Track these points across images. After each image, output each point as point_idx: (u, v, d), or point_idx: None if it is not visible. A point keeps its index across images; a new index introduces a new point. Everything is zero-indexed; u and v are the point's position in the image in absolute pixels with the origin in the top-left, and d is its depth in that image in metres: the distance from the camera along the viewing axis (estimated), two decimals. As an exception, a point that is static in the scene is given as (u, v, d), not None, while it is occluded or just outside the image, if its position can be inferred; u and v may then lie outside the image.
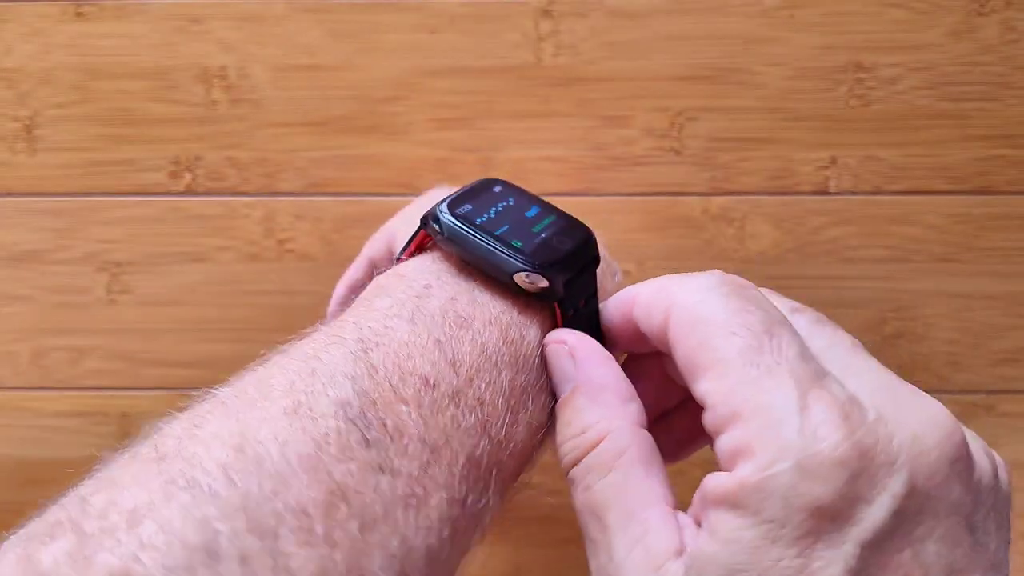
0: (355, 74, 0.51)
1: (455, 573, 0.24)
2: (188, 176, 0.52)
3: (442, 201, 0.28)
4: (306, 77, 0.51)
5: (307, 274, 0.52)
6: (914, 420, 0.21)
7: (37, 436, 0.54)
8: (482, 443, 0.24)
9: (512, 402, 0.25)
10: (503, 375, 0.25)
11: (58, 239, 0.53)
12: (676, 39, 0.50)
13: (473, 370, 0.25)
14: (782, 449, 0.20)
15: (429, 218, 0.28)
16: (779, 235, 0.51)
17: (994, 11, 0.50)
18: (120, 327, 0.53)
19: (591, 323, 0.28)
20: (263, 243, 0.52)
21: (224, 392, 0.23)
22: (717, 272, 0.24)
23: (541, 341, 0.27)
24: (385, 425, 0.22)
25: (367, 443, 0.21)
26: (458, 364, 0.24)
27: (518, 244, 0.27)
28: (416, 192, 0.50)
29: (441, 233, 0.27)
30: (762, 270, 0.52)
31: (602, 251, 0.30)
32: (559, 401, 0.26)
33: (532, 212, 0.29)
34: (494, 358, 0.25)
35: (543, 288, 0.26)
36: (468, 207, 0.28)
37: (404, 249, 0.30)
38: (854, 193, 0.52)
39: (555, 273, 0.27)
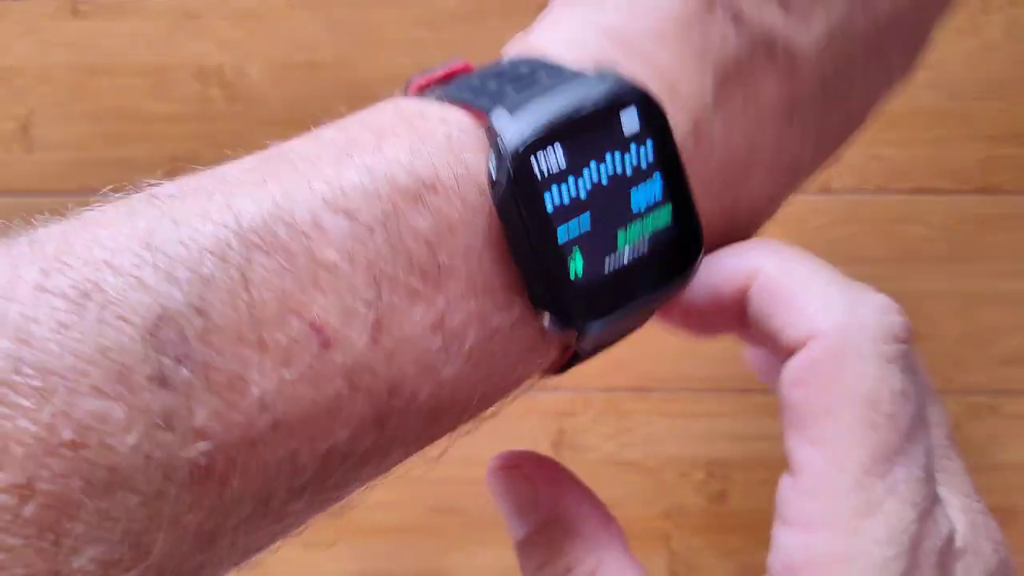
0: (354, 71, 0.50)
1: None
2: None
3: (525, 115, 0.18)
4: (304, 74, 0.50)
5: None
6: (990, 552, 0.19)
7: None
8: (364, 437, 0.17)
9: (446, 402, 0.18)
10: (449, 367, 0.18)
11: (54, 238, 0.52)
12: (678, 36, 0.50)
13: (405, 346, 0.17)
14: None
15: (489, 132, 0.18)
16: (782, 234, 0.51)
17: (999, 9, 0.50)
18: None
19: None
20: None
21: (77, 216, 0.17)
22: (890, 313, 0.19)
23: (540, 353, 0.19)
24: (209, 368, 0.15)
25: (162, 382, 0.15)
26: (384, 329, 0.17)
27: (578, 267, 0.18)
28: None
29: (491, 177, 0.18)
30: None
31: None
32: (521, 539, 0.21)
33: (645, 192, 0.19)
34: (449, 341, 0.18)
35: (566, 340, 0.19)
36: (558, 158, 0.18)
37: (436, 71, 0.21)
38: (858, 192, 0.51)
39: (593, 335, 0.19)
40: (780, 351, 0.19)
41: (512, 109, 0.18)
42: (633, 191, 0.18)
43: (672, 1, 0.20)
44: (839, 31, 0.21)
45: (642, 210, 0.19)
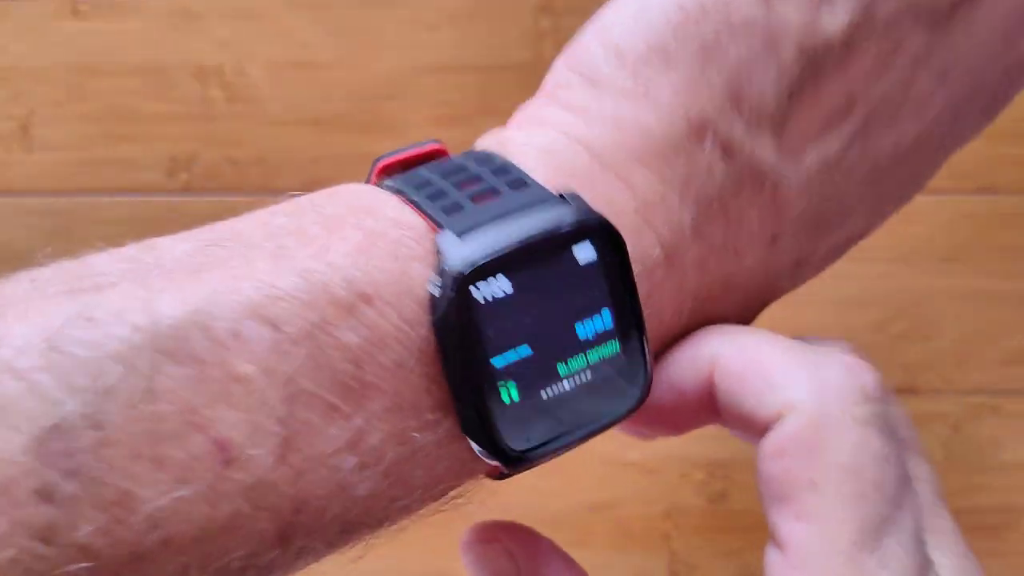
0: (353, 71, 0.50)
1: None
2: (185, 175, 0.52)
3: (471, 253, 0.17)
4: (303, 74, 0.50)
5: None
6: None
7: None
8: (263, 553, 0.17)
9: (357, 518, 0.18)
10: (363, 486, 0.17)
11: (54, 238, 0.52)
12: (678, 36, 0.50)
13: (315, 465, 0.17)
14: None
15: (438, 261, 0.17)
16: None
17: (1000, 7, 0.50)
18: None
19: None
20: (261, 242, 0.52)
21: None
22: (858, 372, 0.18)
23: (465, 473, 0.19)
24: (99, 484, 0.15)
25: (46, 497, 0.15)
26: (294, 448, 0.16)
27: (511, 397, 0.17)
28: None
29: (431, 298, 0.17)
30: (765, 270, 0.52)
31: None
32: None
33: (591, 327, 0.18)
34: (365, 458, 0.17)
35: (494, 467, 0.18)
36: (501, 287, 0.17)
37: (386, 157, 0.20)
38: (858, 192, 0.51)
39: (522, 465, 0.18)
40: (756, 431, 0.19)
41: (462, 231, 0.17)
42: (579, 323, 0.18)
43: (660, 123, 0.19)
44: (832, 167, 0.20)
45: (588, 340, 0.18)
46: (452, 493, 0.19)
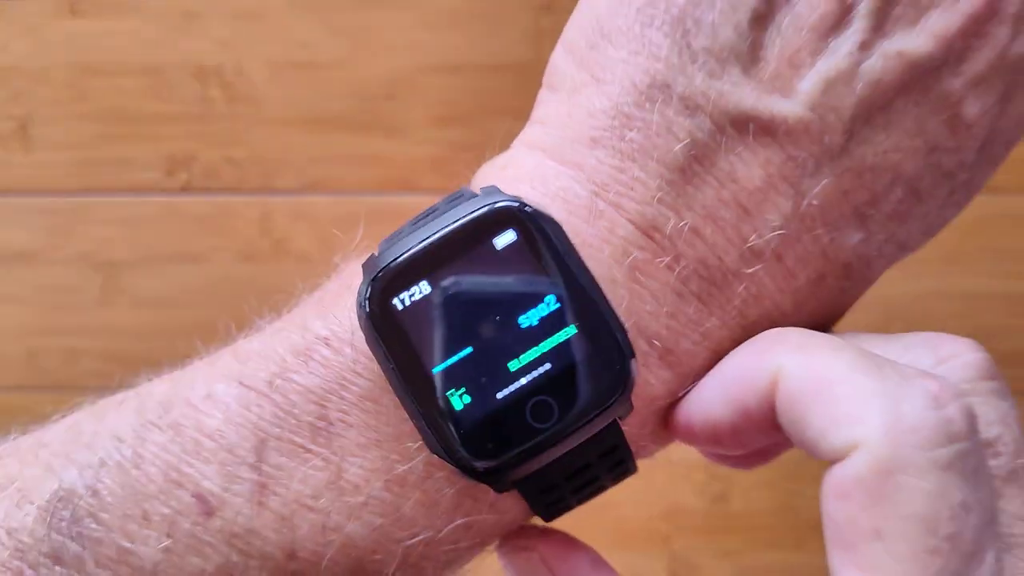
0: (353, 71, 0.50)
1: None
2: (184, 175, 0.52)
3: (384, 261, 0.17)
4: (303, 74, 0.50)
5: (304, 274, 0.52)
6: None
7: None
8: None
9: (368, 559, 0.17)
10: (355, 523, 0.17)
11: (53, 238, 0.52)
12: (678, 36, 0.50)
13: (296, 507, 0.17)
14: None
15: (362, 291, 0.17)
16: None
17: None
18: (115, 327, 0.53)
19: (600, 482, 0.19)
20: (259, 243, 0.51)
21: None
22: (943, 403, 0.16)
23: (472, 502, 0.18)
24: (99, 544, 0.17)
25: (56, 560, 0.16)
26: (271, 492, 0.17)
27: (461, 403, 0.16)
28: (415, 191, 0.49)
29: (360, 325, 0.17)
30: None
31: None
32: None
33: (536, 315, 0.17)
34: (350, 497, 0.17)
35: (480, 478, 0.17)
36: (420, 291, 0.17)
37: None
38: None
39: (498, 477, 0.17)
40: (821, 457, 0.16)
41: (383, 249, 0.17)
42: (521, 311, 0.17)
43: (606, 105, 0.18)
44: (846, 81, 0.17)
45: (533, 328, 0.17)
46: (495, 529, 0.19)
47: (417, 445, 0.17)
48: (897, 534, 0.15)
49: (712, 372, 0.18)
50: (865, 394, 0.16)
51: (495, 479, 0.17)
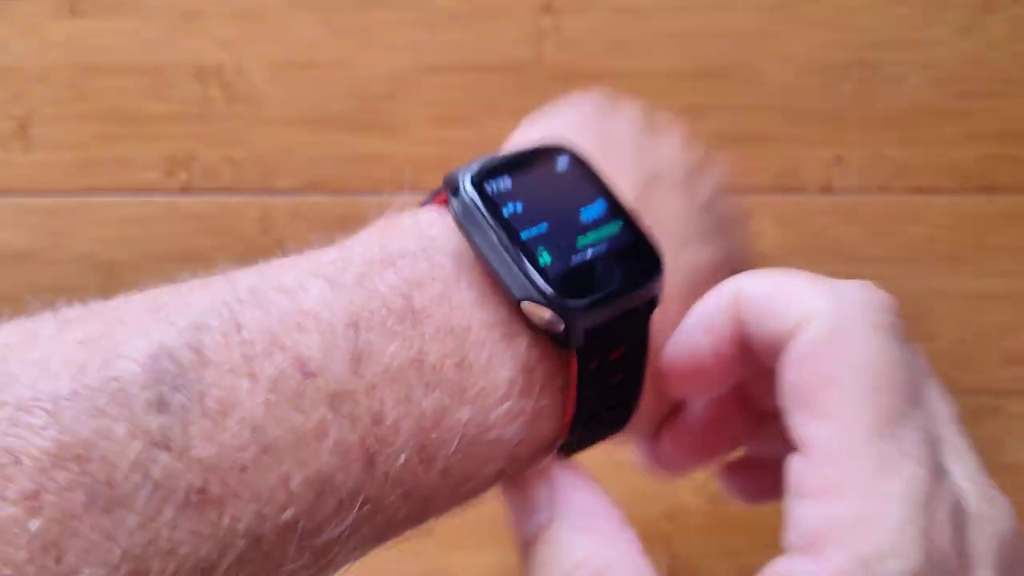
0: (353, 71, 0.50)
1: None
2: (184, 174, 0.52)
3: (475, 164, 0.21)
4: (303, 74, 0.50)
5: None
6: (1001, 518, 0.19)
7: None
8: (353, 469, 0.18)
9: (430, 437, 0.19)
10: (429, 399, 0.19)
11: (53, 238, 0.52)
12: (679, 36, 0.50)
13: (384, 378, 0.19)
14: (893, 552, 0.17)
15: (449, 184, 0.21)
16: (784, 234, 0.51)
17: (1001, 7, 0.49)
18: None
19: (626, 389, 0.22)
20: (260, 242, 0.51)
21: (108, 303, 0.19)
22: (874, 290, 0.20)
23: (523, 388, 0.20)
24: (203, 396, 0.17)
25: (160, 406, 0.17)
26: (364, 362, 0.19)
27: (546, 259, 0.20)
28: (415, 191, 0.49)
29: (456, 212, 0.21)
30: (766, 270, 0.51)
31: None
32: (530, 537, 0.21)
33: (593, 211, 0.22)
34: (428, 376, 0.19)
35: (558, 330, 0.20)
36: (505, 183, 0.21)
37: (430, 198, 0.23)
38: (860, 192, 0.51)
39: (579, 317, 0.20)
40: (779, 343, 0.20)
41: (467, 165, 0.22)
42: (581, 204, 0.22)
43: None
44: None
45: (593, 219, 0.22)
46: (526, 456, 0.21)
47: (483, 336, 0.20)
48: (847, 380, 0.18)
49: (686, 316, 0.22)
50: (812, 284, 0.20)
51: (573, 320, 0.20)
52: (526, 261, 0.20)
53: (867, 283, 0.20)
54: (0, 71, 0.51)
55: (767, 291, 0.20)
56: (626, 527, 0.21)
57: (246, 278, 0.20)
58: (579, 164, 0.22)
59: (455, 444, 0.20)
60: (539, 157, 0.22)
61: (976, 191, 0.51)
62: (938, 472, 0.18)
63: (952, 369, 0.52)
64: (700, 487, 0.51)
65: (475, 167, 0.21)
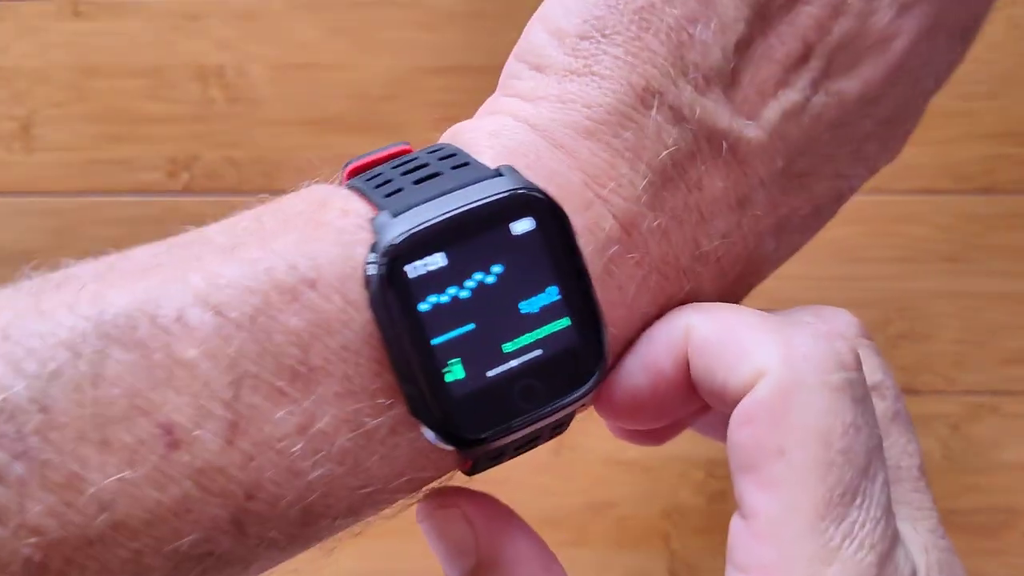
0: (353, 72, 0.50)
1: None
2: (186, 175, 0.52)
3: (406, 219, 0.17)
4: (304, 75, 0.50)
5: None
6: None
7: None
8: (220, 540, 0.17)
9: (315, 507, 0.17)
10: (317, 472, 0.17)
11: (54, 238, 0.52)
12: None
13: (264, 449, 0.17)
14: None
15: (373, 228, 0.17)
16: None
17: (1001, 8, 0.49)
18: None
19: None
20: (261, 243, 0.52)
21: None
22: (830, 341, 0.18)
23: (427, 460, 0.18)
24: (45, 465, 0.15)
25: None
26: (242, 432, 0.16)
27: (457, 374, 0.17)
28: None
29: (366, 282, 0.17)
30: (765, 270, 0.51)
31: None
32: None
33: (537, 303, 0.18)
34: (317, 445, 0.17)
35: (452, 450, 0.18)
36: (434, 262, 0.17)
37: (352, 162, 0.20)
38: (860, 192, 0.51)
39: (475, 447, 0.18)
40: (730, 404, 0.18)
41: (398, 210, 0.17)
42: (523, 299, 0.18)
43: (605, 96, 0.19)
44: (797, 117, 0.19)
45: (533, 315, 0.18)
46: (425, 488, 0.19)
47: (388, 403, 0.17)
48: (796, 448, 0.17)
49: (631, 349, 0.19)
50: (764, 333, 0.18)
51: (470, 448, 0.18)
52: (424, 379, 0.17)
53: (826, 331, 0.18)
54: (2, 72, 0.51)
55: (715, 338, 0.18)
56: (552, 566, 0.20)
57: (118, 298, 0.16)
58: (545, 228, 0.18)
59: (343, 510, 0.18)
60: (495, 216, 0.17)
61: (976, 191, 0.51)
62: (887, 555, 0.17)
63: (951, 369, 0.52)
64: (700, 487, 0.51)
65: (401, 235, 0.17)
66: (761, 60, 0.19)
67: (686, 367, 0.18)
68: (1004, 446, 0.51)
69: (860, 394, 0.17)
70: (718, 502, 0.51)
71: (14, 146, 0.52)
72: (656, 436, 0.22)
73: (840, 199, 0.22)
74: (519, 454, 0.20)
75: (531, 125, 0.19)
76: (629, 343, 0.19)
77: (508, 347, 0.17)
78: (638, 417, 0.20)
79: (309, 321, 0.17)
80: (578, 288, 0.18)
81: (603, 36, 0.19)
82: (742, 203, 0.20)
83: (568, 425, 0.20)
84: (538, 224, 0.17)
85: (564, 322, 0.18)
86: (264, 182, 0.51)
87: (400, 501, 0.19)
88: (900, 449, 0.19)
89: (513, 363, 0.17)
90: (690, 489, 0.51)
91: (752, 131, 0.19)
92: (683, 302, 0.20)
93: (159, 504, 0.16)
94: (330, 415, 0.17)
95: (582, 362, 0.18)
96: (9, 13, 0.51)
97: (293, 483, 0.17)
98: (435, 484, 0.19)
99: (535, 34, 0.20)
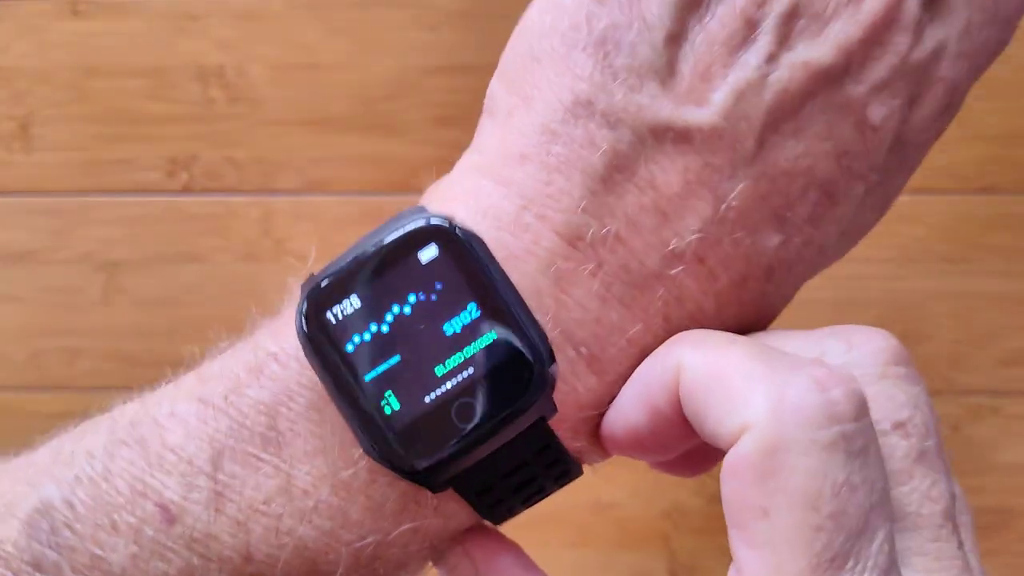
0: (353, 72, 0.50)
1: None
2: (185, 175, 0.52)
3: (318, 277, 0.19)
4: (304, 75, 0.50)
5: (305, 274, 0.52)
6: None
7: (32, 437, 0.54)
8: None
9: (317, 561, 0.18)
10: (306, 527, 0.18)
11: (54, 238, 0.52)
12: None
13: (251, 512, 0.18)
14: None
15: (299, 307, 0.19)
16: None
17: (999, 8, 0.49)
18: (116, 327, 0.53)
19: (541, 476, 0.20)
20: (260, 243, 0.52)
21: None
22: (825, 387, 0.16)
23: (416, 502, 0.19)
24: (74, 551, 0.18)
25: (36, 565, 0.18)
26: (227, 499, 0.18)
27: (393, 406, 0.18)
28: (416, 191, 0.49)
29: (299, 339, 0.18)
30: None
31: None
32: None
33: (459, 322, 0.18)
34: (299, 502, 0.18)
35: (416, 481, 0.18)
36: (352, 304, 0.18)
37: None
38: (858, 192, 0.51)
39: (431, 474, 0.18)
40: (721, 445, 0.17)
41: (323, 272, 0.19)
42: (444, 319, 0.18)
43: (534, 123, 0.19)
44: (756, 91, 0.18)
45: (458, 334, 0.18)
46: (434, 532, 0.19)
47: (360, 452, 0.18)
48: (782, 512, 0.16)
49: (627, 382, 0.19)
50: (753, 380, 0.16)
51: (428, 479, 0.18)
52: (367, 417, 0.18)
53: (822, 375, 0.16)
54: (1, 71, 0.51)
55: (703, 383, 0.17)
56: (531, 568, 0.20)
57: (131, 409, 0.20)
58: (451, 252, 0.18)
59: (349, 564, 0.19)
60: (399, 250, 0.18)
61: (974, 191, 0.51)
62: None
63: (950, 369, 0.52)
64: (700, 487, 0.51)
65: (315, 285, 0.18)
66: (703, 47, 0.18)
67: (678, 405, 0.18)
68: (1004, 447, 0.51)
69: (858, 447, 0.16)
70: (718, 502, 0.50)
71: (14, 146, 0.52)
72: (688, 467, 0.22)
73: (853, 176, 0.19)
74: (524, 495, 0.20)
75: (476, 170, 0.20)
76: (613, 362, 0.19)
77: (440, 370, 0.18)
78: (644, 452, 0.19)
79: (272, 391, 0.19)
80: (498, 302, 0.18)
81: (537, 65, 0.19)
82: (714, 194, 0.19)
83: (569, 463, 0.19)
84: (441, 250, 0.18)
85: (491, 336, 0.18)
86: (264, 182, 0.51)
87: (427, 556, 0.20)
88: (921, 494, 0.17)
89: (448, 384, 0.18)
90: (690, 489, 0.51)
91: (702, 116, 0.18)
92: (666, 311, 0.19)
93: (166, 574, 0.18)
94: (305, 472, 0.18)
95: (516, 374, 0.18)
96: (9, 13, 0.51)
97: (284, 542, 0.18)
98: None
99: (491, 84, 0.21)
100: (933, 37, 0.19)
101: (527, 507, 0.20)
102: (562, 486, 0.20)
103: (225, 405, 0.19)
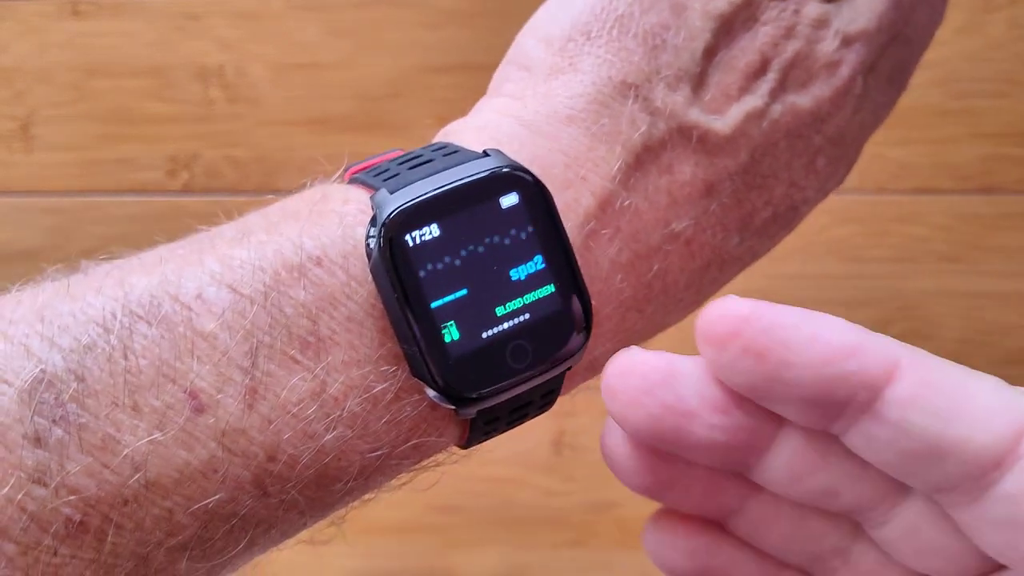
0: (354, 72, 0.50)
1: None
2: (185, 174, 0.52)
3: (404, 193, 0.19)
4: (305, 75, 0.50)
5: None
6: None
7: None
8: (244, 500, 0.18)
9: (329, 468, 0.19)
10: (330, 435, 0.18)
11: (55, 238, 0.52)
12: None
13: (282, 413, 0.18)
14: None
15: (373, 204, 0.19)
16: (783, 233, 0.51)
17: (1001, 8, 0.49)
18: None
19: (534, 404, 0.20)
20: (261, 242, 0.52)
21: None
22: None
23: (431, 423, 0.19)
24: (83, 429, 0.17)
25: (37, 442, 0.16)
26: (260, 397, 0.18)
27: (453, 335, 0.18)
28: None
29: (368, 254, 0.19)
30: (767, 269, 0.51)
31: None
32: None
33: (525, 270, 0.19)
34: (329, 410, 0.18)
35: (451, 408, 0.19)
36: (431, 232, 0.18)
37: (353, 165, 0.21)
38: (859, 192, 0.51)
39: (470, 405, 0.19)
40: (943, 469, 0.15)
41: (394, 188, 0.19)
42: (513, 267, 0.19)
43: (586, 88, 0.21)
44: (757, 120, 0.22)
45: (522, 281, 0.19)
46: (431, 453, 0.20)
47: (393, 369, 0.19)
48: None
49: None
50: (1000, 393, 0.15)
51: (467, 406, 0.19)
52: (424, 340, 0.18)
53: None
54: (2, 71, 0.51)
55: (948, 387, 0.15)
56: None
57: (142, 281, 0.18)
58: (530, 203, 0.19)
59: (355, 473, 0.19)
60: (483, 191, 0.19)
61: (975, 191, 0.51)
62: None
63: (952, 369, 0.52)
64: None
65: (399, 207, 0.18)
66: (726, 67, 0.22)
67: (854, 397, 0.15)
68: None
69: None
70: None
71: (14, 146, 0.52)
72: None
73: (795, 210, 0.23)
74: (511, 426, 0.21)
75: (516, 118, 0.21)
76: (606, 321, 0.21)
77: (500, 311, 0.19)
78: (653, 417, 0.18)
79: (316, 295, 0.18)
80: (561, 258, 0.19)
81: (587, 39, 0.21)
82: (710, 190, 0.21)
83: (555, 397, 0.21)
84: (522, 199, 0.19)
85: (549, 288, 0.19)
86: (264, 182, 0.51)
87: (409, 469, 0.20)
88: None
89: (505, 325, 0.19)
90: (690, 489, 0.51)
91: (719, 124, 0.21)
92: (652, 281, 0.21)
93: (187, 464, 0.17)
94: (339, 381, 0.18)
95: (566, 326, 0.19)
96: (8, 13, 0.51)
97: (309, 445, 0.18)
98: (437, 457, 0.21)
99: (525, 40, 0.22)
100: (872, 100, 0.24)
101: (509, 429, 0.21)
102: (540, 414, 0.22)
103: (264, 301, 0.18)
